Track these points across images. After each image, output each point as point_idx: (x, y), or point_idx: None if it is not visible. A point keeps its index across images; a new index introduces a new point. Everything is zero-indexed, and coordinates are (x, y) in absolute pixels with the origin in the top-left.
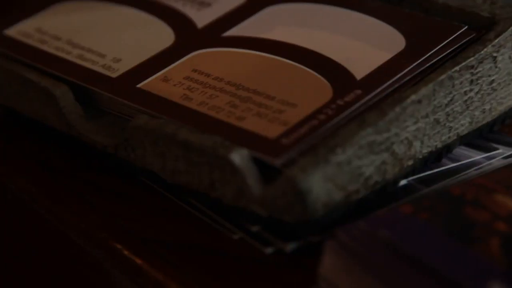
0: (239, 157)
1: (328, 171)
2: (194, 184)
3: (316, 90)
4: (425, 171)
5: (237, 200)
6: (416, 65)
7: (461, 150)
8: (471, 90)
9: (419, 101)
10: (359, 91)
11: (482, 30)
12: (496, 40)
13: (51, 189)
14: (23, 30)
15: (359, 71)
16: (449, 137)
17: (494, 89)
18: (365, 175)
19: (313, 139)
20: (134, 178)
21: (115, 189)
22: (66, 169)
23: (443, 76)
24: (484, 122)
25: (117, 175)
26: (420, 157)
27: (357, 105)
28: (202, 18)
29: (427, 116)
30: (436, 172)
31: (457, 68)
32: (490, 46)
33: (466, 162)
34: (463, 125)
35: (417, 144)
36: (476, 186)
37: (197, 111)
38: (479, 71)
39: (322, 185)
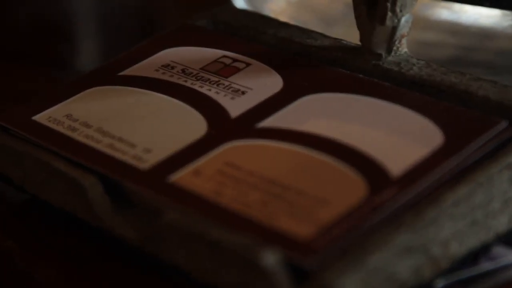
0: (270, 259)
1: (362, 275)
2: (224, 284)
3: (351, 187)
4: (462, 272)
5: None
6: (454, 162)
7: (499, 250)
8: (510, 188)
9: (457, 202)
10: (395, 190)
11: None
12: None
13: (76, 280)
14: (53, 116)
15: (395, 168)
16: (487, 237)
17: None
18: (400, 279)
19: (347, 241)
20: (163, 275)
21: (142, 283)
22: (93, 261)
23: (482, 176)
24: None
25: (145, 270)
26: (458, 258)
27: (393, 205)
28: (235, 107)
29: (465, 216)
30: (474, 273)
31: (497, 167)
32: None
33: (504, 262)
34: (502, 224)
35: (454, 245)
36: None
37: (228, 208)
38: None
39: None
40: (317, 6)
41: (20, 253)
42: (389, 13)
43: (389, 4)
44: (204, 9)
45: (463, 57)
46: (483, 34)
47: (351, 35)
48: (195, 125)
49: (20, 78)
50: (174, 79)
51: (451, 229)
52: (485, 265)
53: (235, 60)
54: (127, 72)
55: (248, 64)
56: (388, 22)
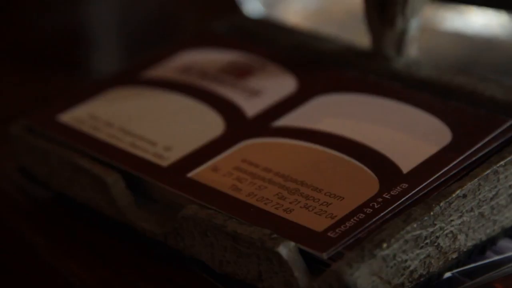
0: (286, 250)
1: (373, 265)
2: (242, 274)
3: (363, 183)
4: (469, 264)
5: None
6: (462, 159)
7: (505, 243)
8: None
9: (464, 196)
10: (405, 185)
11: None
12: None
13: (99, 272)
14: (76, 116)
15: (406, 165)
16: (493, 230)
17: None
18: (410, 269)
19: (359, 233)
20: (183, 266)
21: (164, 276)
22: (116, 255)
23: (488, 171)
24: None
25: (166, 263)
26: (465, 250)
27: (403, 199)
28: (251, 107)
29: (472, 210)
30: (480, 264)
31: (502, 162)
32: None
33: (510, 255)
34: (507, 218)
35: (461, 237)
36: None
37: (246, 202)
38: None
39: (367, 279)
40: (332, 14)
41: (45, 247)
42: (399, 16)
43: (399, 8)
44: (220, 16)
45: (471, 60)
46: (490, 38)
47: (363, 41)
48: (212, 125)
49: (44, 82)
50: (192, 81)
51: (458, 222)
52: (491, 258)
53: (251, 62)
54: (147, 74)
55: (263, 66)
56: (398, 25)
